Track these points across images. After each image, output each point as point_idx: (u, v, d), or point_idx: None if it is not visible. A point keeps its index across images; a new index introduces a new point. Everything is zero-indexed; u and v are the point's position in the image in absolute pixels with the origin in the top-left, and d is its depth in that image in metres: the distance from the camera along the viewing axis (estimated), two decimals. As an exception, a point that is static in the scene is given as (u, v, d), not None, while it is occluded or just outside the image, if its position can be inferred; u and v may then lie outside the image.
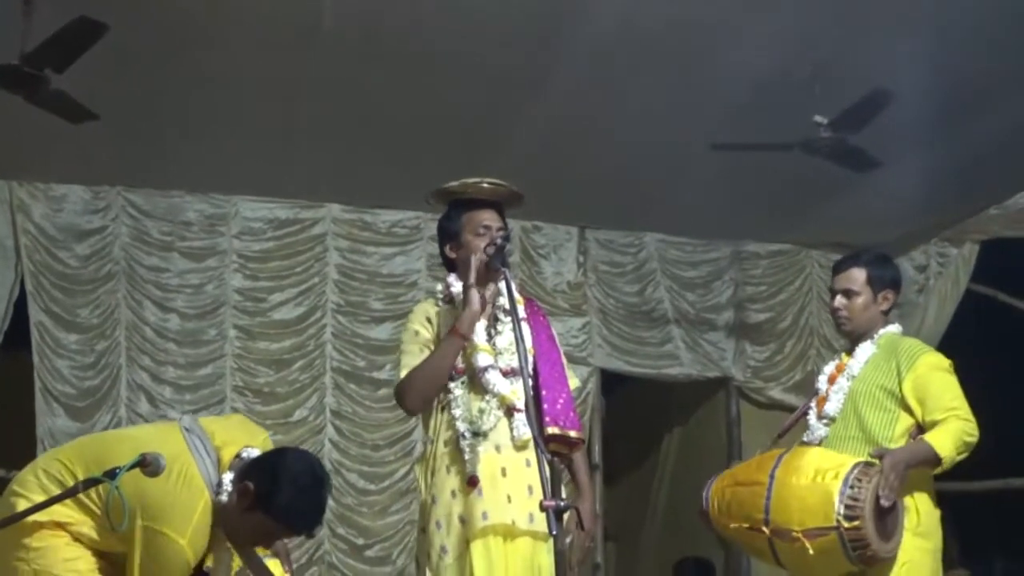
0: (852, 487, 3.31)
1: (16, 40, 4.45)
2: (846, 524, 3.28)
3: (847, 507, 3.29)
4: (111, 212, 6.24)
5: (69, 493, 2.59)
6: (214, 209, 6.44)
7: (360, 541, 6.31)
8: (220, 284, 6.39)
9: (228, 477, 2.79)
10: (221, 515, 2.78)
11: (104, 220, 6.26)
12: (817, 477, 3.38)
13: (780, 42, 4.94)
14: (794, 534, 3.35)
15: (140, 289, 6.26)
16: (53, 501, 2.62)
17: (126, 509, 2.51)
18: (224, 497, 2.76)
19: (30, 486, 2.80)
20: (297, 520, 2.81)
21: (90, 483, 2.56)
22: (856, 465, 3.37)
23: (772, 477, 3.46)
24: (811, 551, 3.32)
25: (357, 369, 6.50)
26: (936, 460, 3.42)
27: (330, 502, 6.12)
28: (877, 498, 3.31)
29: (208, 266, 6.40)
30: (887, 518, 3.37)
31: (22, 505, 2.73)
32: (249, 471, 2.79)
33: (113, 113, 4.99)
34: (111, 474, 2.54)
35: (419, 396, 3.29)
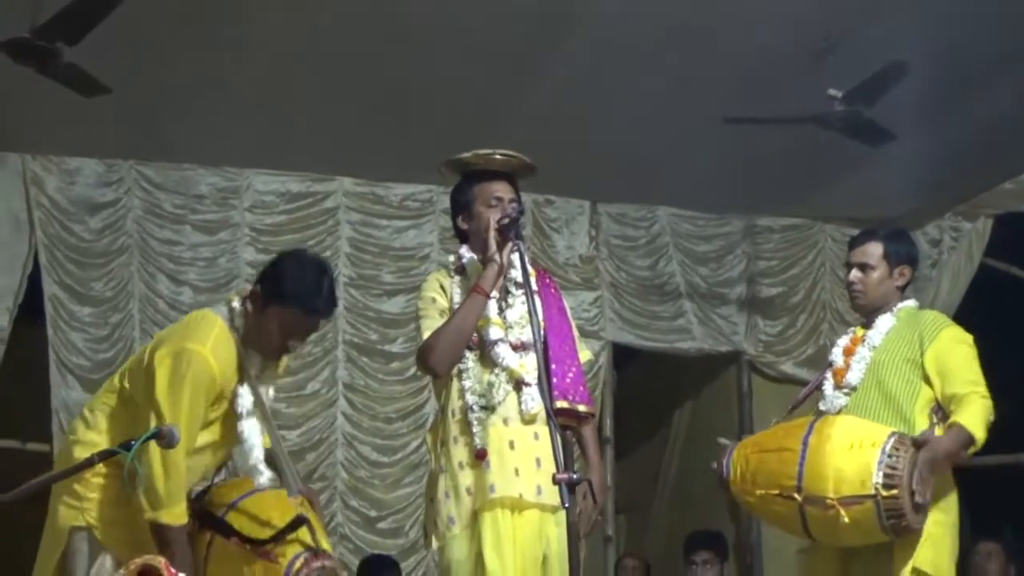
0: (890, 456, 3.32)
1: (28, 13, 4.45)
2: (884, 493, 3.29)
3: (886, 476, 3.30)
4: (124, 185, 6.24)
5: (86, 464, 2.62)
6: (226, 182, 6.44)
7: (373, 513, 6.35)
8: (233, 257, 6.40)
9: (236, 302, 2.93)
10: (244, 337, 2.90)
11: (117, 193, 6.27)
12: (854, 445, 3.37)
13: (793, 14, 4.90)
14: (828, 501, 3.34)
15: (153, 262, 6.28)
16: (73, 471, 2.66)
17: (141, 478, 2.55)
18: (239, 322, 2.89)
19: (79, 431, 2.98)
20: (308, 296, 2.89)
21: (106, 454, 2.60)
22: (893, 434, 3.38)
23: (805, 444, 3.44)
24: (846, 519, 3.32)
25: (369, 342, 6.51)
26: (972, 443, 3.45)
27: (342, 474, 6.32)
28: (913, 469, 3.32)
29: (220, 239, 6.41)
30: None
31: (78, 452, 2.86)
32: (254, 283, 2.96)
33: (125, 86, 4.99)
34: (127, 446, 2.57)
35: (444, 356, 3.28)
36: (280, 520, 2.93)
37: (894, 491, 3.29)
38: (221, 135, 6.04)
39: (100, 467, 2.78)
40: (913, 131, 5.58)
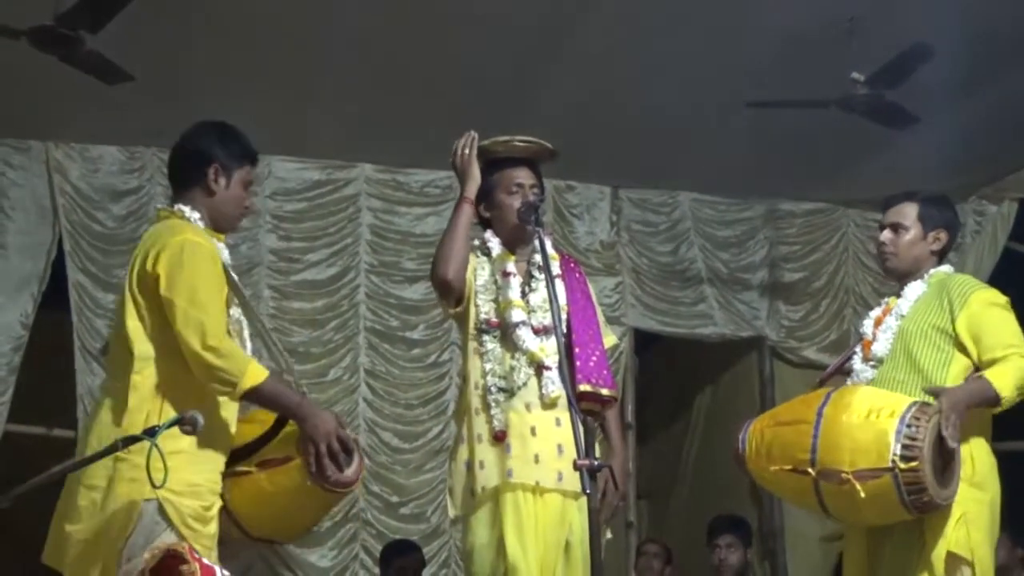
0: (910, 426, 3.05)
1: (51, 1, 4.47)
2: (902, 465, 3.02)
3: (904, 447, 3.03)
4: (146, 172, 6.27)
5: (109, 451, 2.62)
6: (248, 169, 6.45)
7: (394, 499, 6.37)
8: (254, 245, 6.42)
9: (184, 207, 2.96)
10: (214, 223, 2.97)
11: (140, 180, 6.29)
12: (871, 415, 3.11)
13: (817, -3, 4.88)
14: (843, 475, 3.08)
15: (175, 249, 6.31)
16: (93, 459, 2.66)
17: (166, 469, 2.55)
18: (199, 215, 2.94)
19: (108, 409, 2.86)
20: (252, 146, 3.06)
21: (130, 440, 2.59)
22: (914, 403, 3.12)
23: (820, 415, 3.18)
24: (862, 494, 3.06)
25: (390, 329, 6.53)
26: (996, 400, 3.18)
27: (365, 460, 6.30)
28: (936, 440, 3.06)
29: (242, 226, 6.35)
30: (945, 463, 3.13)
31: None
32: (200, 164, 3.00)
33: (147, 73, 5.01)
34: (151, 432, 2.57)
35: (445, 260, 3.31)
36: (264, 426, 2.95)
37: (913, 463, 3.01)
38: (242, 122, 5.96)
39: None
40: (937, 114, 5.53)
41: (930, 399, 3.18)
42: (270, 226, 6.46)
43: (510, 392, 3.26)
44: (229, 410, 2.90)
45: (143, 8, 4.44)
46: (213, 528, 2.83)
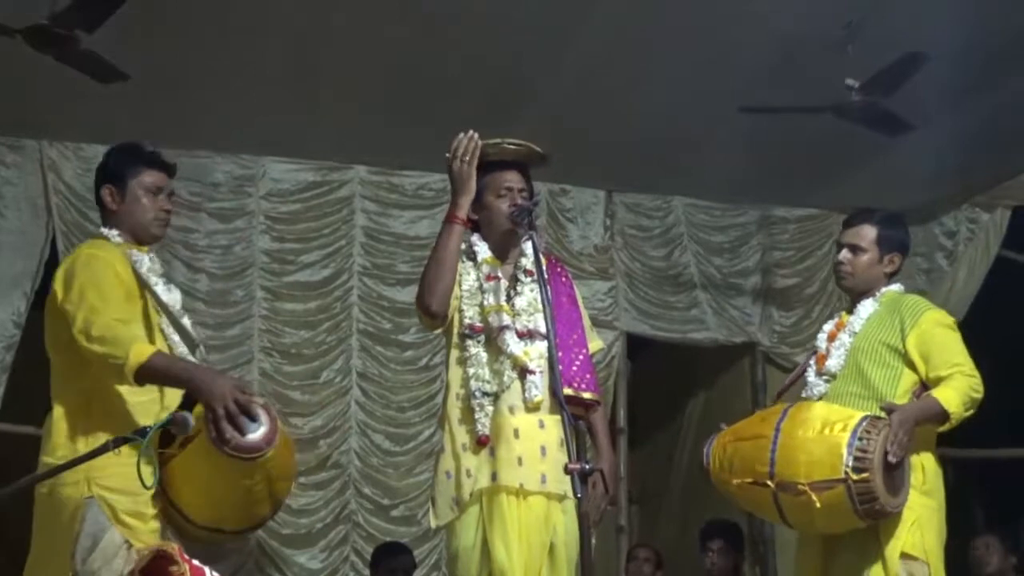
0: (861, 439, 3.25)
1: (45, 0, 4.47)
2: (854, 476, 3.23)
3: (856, 459, 3.24)
4: (140, 173, 6.26)
5: (101, 451, 2.63)
6: (242, 170, 6.46)
7: (385, 501, 6.37)
8: (248, 245, 6.42)
9: (104, 230, 3.09)
10: (132, 236, 3.06)
11: None
12: (825, 429, 3.32)
13: (811, 3, 4.88)
14: (800, 487, 3.29)
15: (169, 249, 6.29)
16: (86, 458, 2.67)
17: (156, 469, 2.55)
18: (113, 231, 3.05)
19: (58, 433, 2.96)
20: (139, 150, 3.14)
21: (120, 441, 2.60)
22: (865, 418, 3.32)
23: (778, 430, 3.39)
24: (818, 504, 3.26)
25: (383, 331, 6.52)
26: (944, 417, 3.38)
27: (356, 462, 6.34)
28: (886, 452, 3.25)
29: (236, 227, 6.43)
30: (894, 473, 3.32)
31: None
32: (99, 190, 3.12)
33: (142, 73, 5.00)
34: (142, 432, 2.58)
35: (431, 289, 3.26)
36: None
37: (865, 474, 3.22)
38: (237, 123, 6.05)
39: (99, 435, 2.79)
40: (931, 121, 5.54)
41: (883, 414, 3.35)
42: (264, 227, 6.46)
43: (494, 396, 3.26)
44: (144, 400, 2.91)
45: (138, 7, 4.44)
46: (154, 524, 2.83)
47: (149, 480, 2.51)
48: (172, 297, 3.09)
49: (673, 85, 5.54)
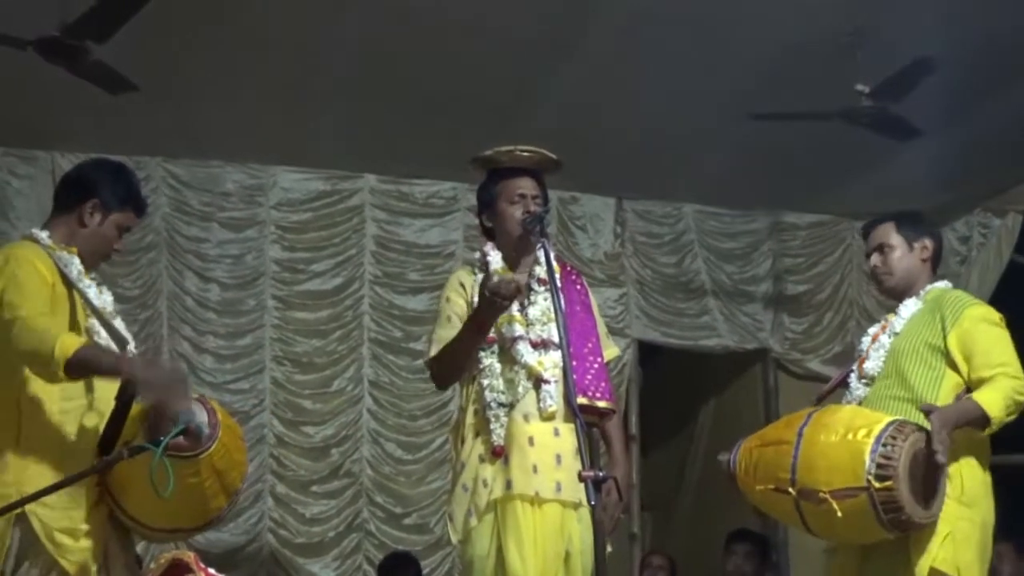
0: (885, 445, 3.06)
1: (57, 12, 4.48)
2: (877, 484, 3.03)
3: (879, 466, 3.04)
4: (152, 182, 6.27)
5: (115, 459, 2.62)
6: (252, 180, 6.47)
7: (398, 510, 6.37)
8: (259, 255, 6.43)
9: (41, 233, 2.98)
10: (81, 251, 2.95)
11: (145, 190, 6.21)
12: (848, 434, 3.13)
13: (820, 8, 4.88)
14: (821, 495, 3.11)
15: (181, 259, 6.32)
16: (102, 467, 2.65)
17: (171, 477, 2.54)
18: (43, 233, 2.96)
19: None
20: (142, 199, 3.06)
21: (136, 450, 2.59)
22: (892, 422, 3.13)
23: (800, 435, 3.22)
24: (839, 513, 3.08)
25: (394, 340, 6.53)
26: (985, 420, 3.17)
27: (368, 470, 6.34)
28: (913, 459, 3.07)
29: (247, 236, 6.44)
30: (925, 482, 3.12)
31: None
32: (80, 198, 2.98)
33: (152, 83, 5.02)
34: (156, 442, 2.57)
35: (445, 378, 3.40)
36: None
37: (888, 483, 3.02)
38: (247, 132, 6.07)
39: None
40: (941, 126, 5.53)
41: (919, 417, 3.19)
42: (274, 236, 6.47)
43: (509, 405, 3.26)
44: (77, 404, 2.81)
45: (148, 18, 4.45)
46: (85, 543, 2.72)
47: (166, 490, 2.49)
48: (104, 299, 3.01)
49: (683, 92, 5.53)
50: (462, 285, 3.40)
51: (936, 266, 3.55)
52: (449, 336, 3.28)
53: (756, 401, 7.19)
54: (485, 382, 3.28)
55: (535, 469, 3.21)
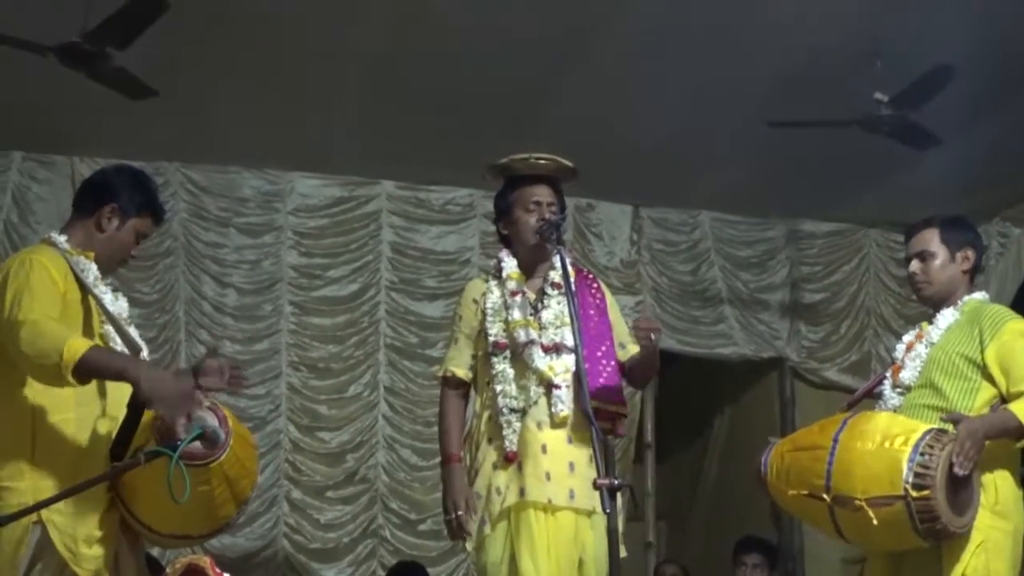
0: (923, 454, 3.04)
1: (79, 18, 4.51)
2: (914, 493, 3.01)
3: (916, 475, 3.02)
4: (170, 188, 6.31)
5: (131, 464, 2.62)
6: (270, 186, 6.50)
7: (413, 516, 6.37)
8: (276, 260, 6.45)
9: (59, 238, 2.97)
10: (97, 256, 2.95)
11: (163, 196, 6.23)
12: (885, 442, 3.11)
13: (839, 16, 4.87)
14: (857, 502, 3.08)
15: (198, 264, 6.34)
16: (118, 472, 2.66)
17: (187, 483, 2.54)
18: (62, 237, 2.97)
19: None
20: (161, 206, 3.09)
21: (152, 455, 2.59)
22: (929, 431, 3.10)
23: (836, 441, 3.18)
24: (875, 521, 3.06)
25: (410, 346, 6.54)
26: (1019, 431, 3.15)
27: (383, 476, 6.34)
28: (950, 468, 3.05)
29: (264, 242, 6.47)
30: (961, 491, 3.10)
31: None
32: (96, 202, 2.99)
33: (172, 89, 5.05)
34: (173, 447, 2.57)
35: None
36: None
37: (925, 492, 3.00)
38: (265, 138, 6.09)
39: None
40: (960, 134, 5.50)
41: (949, 426, 3.16)
42: (292, 242, 6.49)
43: (522, 411, 3.26)
44: (90, 411, 2.80)
45: (168, 25, 4.48)
46: (98, 550, 2.73)
47: (183, 495, 2.49)
48: (119, 306, 2.99)
49: (700, 99, 5.53)
50: (474, 301, 3.40)
51: (975, 276, 3.52)
52: (456, 358, 3.43)
53: (772, 410, 7.16)
54: (498, 388, 3.29)
55: (548, 477, 3.22)
